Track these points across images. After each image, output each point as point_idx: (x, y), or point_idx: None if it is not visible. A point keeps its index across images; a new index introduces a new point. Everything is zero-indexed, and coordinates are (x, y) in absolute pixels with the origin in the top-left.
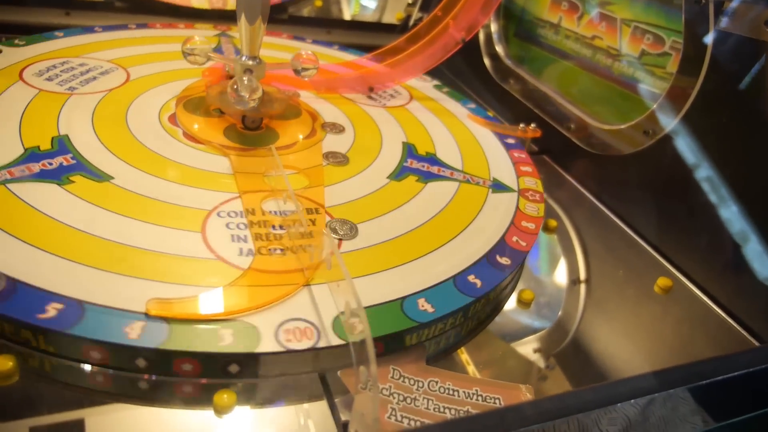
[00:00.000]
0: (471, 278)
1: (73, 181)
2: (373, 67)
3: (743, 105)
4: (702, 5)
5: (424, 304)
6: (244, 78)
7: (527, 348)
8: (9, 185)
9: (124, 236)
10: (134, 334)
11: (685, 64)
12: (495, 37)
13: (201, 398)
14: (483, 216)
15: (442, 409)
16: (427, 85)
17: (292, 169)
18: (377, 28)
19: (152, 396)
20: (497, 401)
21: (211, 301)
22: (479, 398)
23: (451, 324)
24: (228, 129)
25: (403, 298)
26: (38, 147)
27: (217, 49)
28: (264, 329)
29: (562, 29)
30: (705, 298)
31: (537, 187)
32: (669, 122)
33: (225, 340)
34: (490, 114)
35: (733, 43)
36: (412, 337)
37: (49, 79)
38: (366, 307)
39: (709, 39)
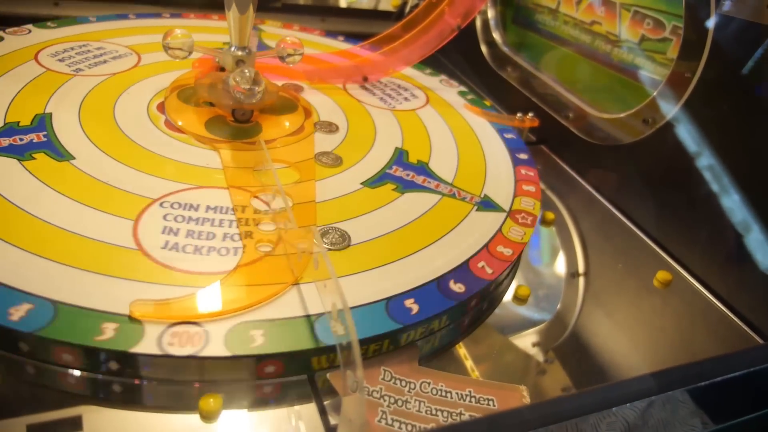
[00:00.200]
0: (408, 303)
1: (34, 158)
2: (367, 56)
3: (745, 91)
4: None
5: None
6: (246, 71)
7: (526, 341)
8: None
9: (57, 217)
10: (17, 316)
11: (685, 50)
12: (492, 23)
13: (188, 404)
14: (455, 235)
15: (434, 412)
16: (451, 90)
17: (283, 163)
18: (373, 15)
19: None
20: (491, 403)
21: (198, 302)
22: (472, 400)
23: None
24: (211, 120)
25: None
26: (18, 122)
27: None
28: (151, 329)
29: (560, 14)
30: (705, 292)
31: (533, 210)
32: (669, 110)
33: (104, 335)
34: (487, 104)
35: (735, 28)
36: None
37: (61, 60)
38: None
39: (710, 23)
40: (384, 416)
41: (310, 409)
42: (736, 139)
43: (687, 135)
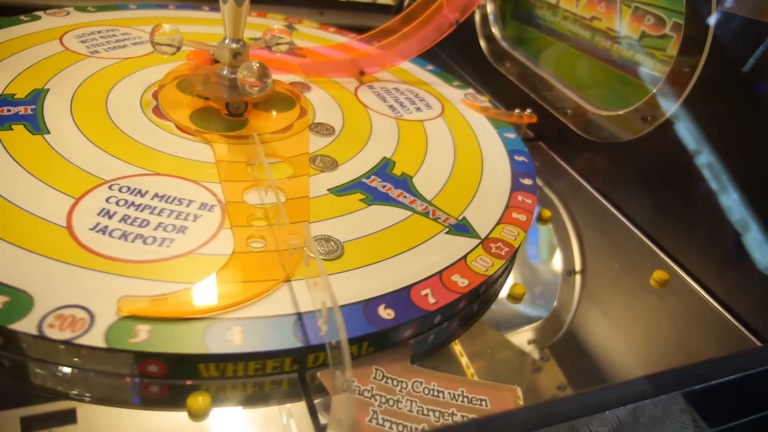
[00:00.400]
0: (318, 323)
1: (12, 129)
2: (364, 49)
3: (746, 89)
4: None
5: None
6: (253, 64)
7: (522, 339)
8: None
9: (6, 188)
10: None
11: (685, 47)
12: (491, 18)
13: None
14: (410, 256)
15: (425, 412)
16: (475, 105)
17: (277, 158)
18: (371, 8)
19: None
20: (483, 403)
21: (189, 298)
22: (465, 400)
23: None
24: (196, 113)
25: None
26: (14, 95)
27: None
28: (41, 306)
29: (560, 10)
30: (702, 292)
31: (513, 240)
32: (668, 108)
33: None
34: (485, 99)
35: (737, 25)
36: None
37: (83, 41)
38: None
39: (711, 20)
40: (375, 416)
41: (300, 407)
42: (735, 138)
43: (686, 133)
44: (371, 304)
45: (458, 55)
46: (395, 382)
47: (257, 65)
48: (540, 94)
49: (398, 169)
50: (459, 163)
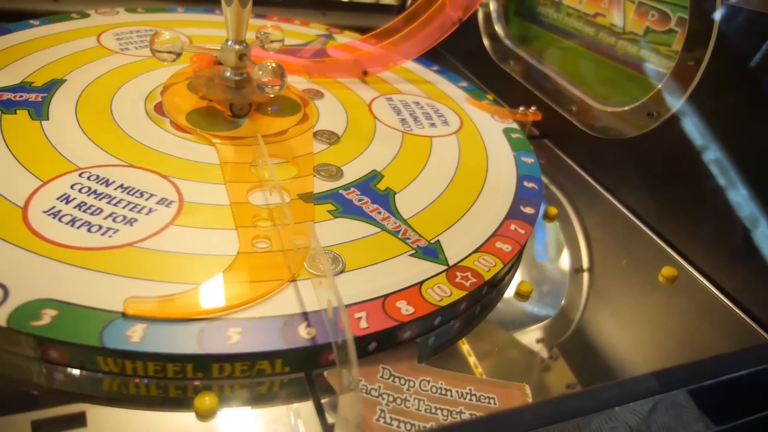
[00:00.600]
0: (231, 331)
1: (15, 113)
2: (367, 49)
3: (752, 84)
4: None
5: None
6: (268, 64)
7: (530, 338)
8: None
9: None
10: None
11: (691, 42)
12: (494, 16)
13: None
14: (358, 275)
15: (433, 410)
16: (496, 125)
17: (281, 159)
18: (375, 9)
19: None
20: (492, 401)
21: (195, 299)
22: (473, 398)
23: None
24: (195, 112)
25: None
26: (32, 83)
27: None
28: None
29: (563, 6)
30: (711, 288)
31: (485, 272)
32: (674, 103)
33: None
34: (489, 97)
35: (743, 19)
36: None
37: (118, 39)
38: None
39: (717, 15)
40: (383, 415)
41: (308, 407)
42: (742, 133)
43: (692, 128)
44: (293, 320)
45: (461, 54)
46: (402, 381)
47: (273, 65)
48: (545, 92)
49: (384, 183)
50: (456, 183)
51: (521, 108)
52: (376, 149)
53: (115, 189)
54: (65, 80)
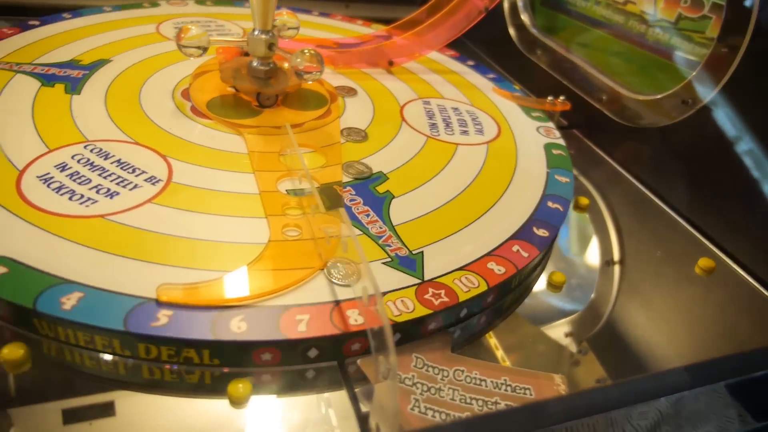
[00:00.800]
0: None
1: (52, 86)
2: (392, 39)
3: None
4: None
5: None
6: (305, 51)
7: (558, 332)
8: (20, 73)
9: (2, 127)
10: None
11: (727, 28)
12: (520, 5)
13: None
14: (318, 281)
15: (468, 400)
16: (539, 138)
17: (309, 148)
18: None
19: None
20: (527, 392)
21: (225, 286)
22: (508, 388)
23: None
24: (216, 100)
25: None
26: (80, 61)
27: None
28: None
29: None
30: (751, 280)
31: (464, 292)
32: (709, 91)
33: None
34: (517, 87)
35: None
36: None
37: (177, 27)
38: None
39: (754, 0)
40: (417, 404)
41: (340, 396)
42: None
43: (729, 116)
44: (226, 313)
45: (487, 44)
46: (436, 371)
47: (312, 51)
48: (573, 81)
49: (385, 186)
50: (466, 195)
51: (549, 98)
52: (390, 151)
53: (112, 163)
54: (111, 61)
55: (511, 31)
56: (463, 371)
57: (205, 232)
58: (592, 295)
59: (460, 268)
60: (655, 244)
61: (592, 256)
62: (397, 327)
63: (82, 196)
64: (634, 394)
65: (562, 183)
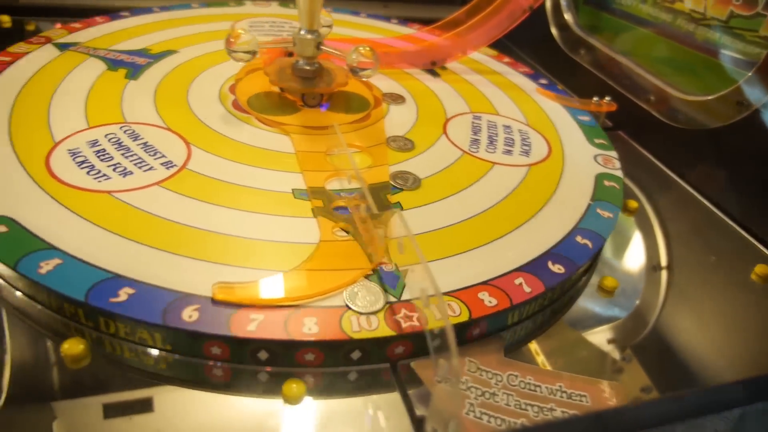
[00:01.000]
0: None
1: (115, 71)
2: (435, 40)
3: None
4: None
5: None
6: (361, 48)
7: (601, 338)
8: (93, 56)
9: (58, 101)
10: None
11: None
12: (563, 4)
13: (270, 387)
14: (294, 281)
15: (523, 406)
16: (591, 167)
17: (355, 148)
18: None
19: (221, 383)
20: (584, 399)
21: (278, 286)
22: (564, 395)
23: None
24: (256, 96)
25: None
26: (150, 50)
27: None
28: None
29: None
30: None
31: (436, 319)
32: (765, 92)
33: None
34: (560, 88)
35: None
36: None
37: (252, 25)
38: None
39: None
40: (472, 408)
41: (389, 398)
42: None
43: None
44: (181, 300)
45: (529, 44)
46: (490, 375)
47: (367, 48)
48: (619, 82)
49: (397, 197)
50: (484, 217)
51: (595, 98)
52: (416, 163)
53: (138, 145)
54: (177, 52)
55: (554, 31)
56: (516, 376)
57: (204, 222)
58: (637, 302)
59: (450, 294)
60: (705, 249)
61: (638, 260)
62: (350, 342)
63: (99, 171)
64: (703, 404)
65: (603, 218)
